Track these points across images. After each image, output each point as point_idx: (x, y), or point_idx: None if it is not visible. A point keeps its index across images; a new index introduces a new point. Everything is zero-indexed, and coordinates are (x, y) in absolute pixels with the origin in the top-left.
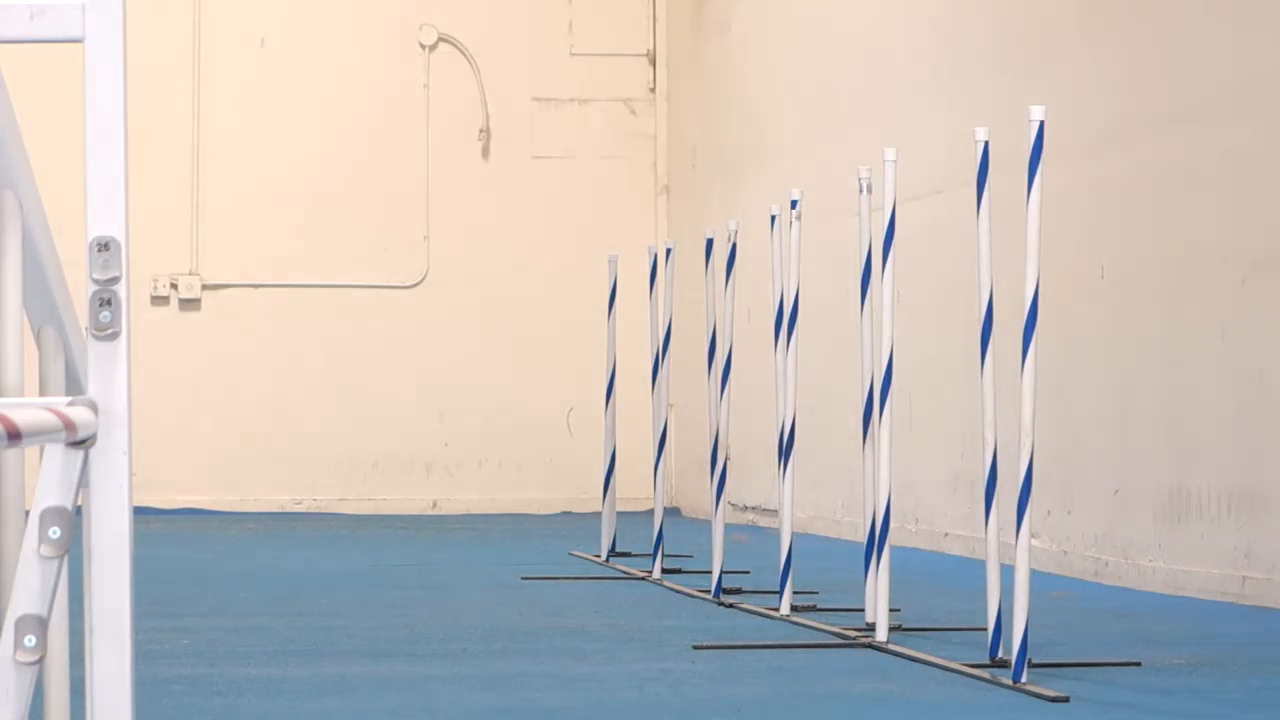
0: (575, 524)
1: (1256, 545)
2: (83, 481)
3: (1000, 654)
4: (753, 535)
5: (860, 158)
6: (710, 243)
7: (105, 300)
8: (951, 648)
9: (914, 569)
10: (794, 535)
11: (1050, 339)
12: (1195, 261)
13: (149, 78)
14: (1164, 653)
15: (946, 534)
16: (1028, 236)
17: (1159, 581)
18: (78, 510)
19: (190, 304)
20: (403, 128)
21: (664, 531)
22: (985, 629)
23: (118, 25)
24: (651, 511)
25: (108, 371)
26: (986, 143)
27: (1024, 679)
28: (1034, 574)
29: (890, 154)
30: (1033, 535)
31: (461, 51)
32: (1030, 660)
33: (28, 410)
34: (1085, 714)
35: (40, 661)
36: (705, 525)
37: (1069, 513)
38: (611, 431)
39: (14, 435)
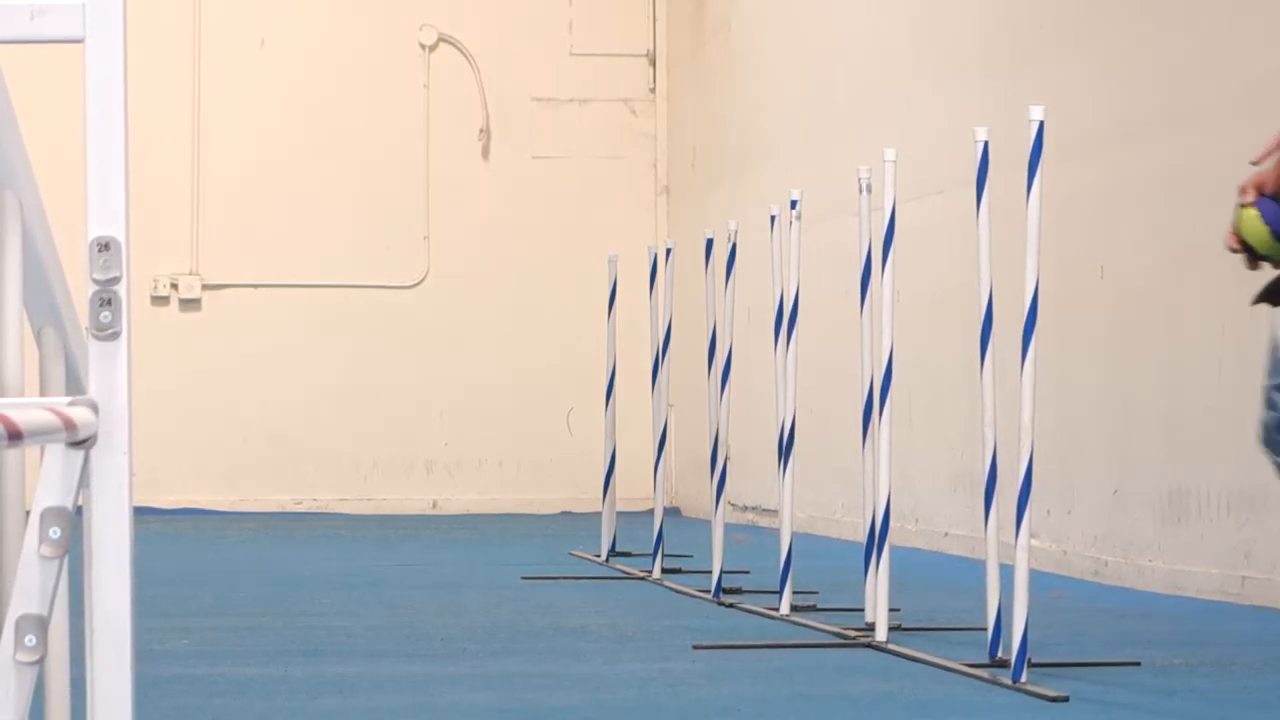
0: (575, 524)
1: (1256, 545)
2: (83, 481)
3: (1000, 654)
4: (753, 535)
5: (860, 158)
6: (710, 243)
7: (105, 300)
8: (951, 648)
9: (914, 569)
10: (794, 535)
11: (1050, 339)
12: (1195, 261)
13: (149, 78)
14: (1164, 653)
15: (946, 534)
16: (1028, 236)
17: (1159, 581)
18: (78, 510)
19: (190, 304)
20: (403, 128)
21: (664, 531)
22: (985, 629)
23: (118, 25)
24: (651, 511)
25: (108, 371)
26: (986, 143)
27: (1024, 679)
28: (1034, 574)
29: (890, 154)
30: (1033, 535)
31: (461, 51)
32: (1030, 660)
33: (28, 410)
34: (1085, 714)
35: (40, 661)
36: (705, 525)
37: (1069, 513)
38: (611, 431)
39: (14, 435)
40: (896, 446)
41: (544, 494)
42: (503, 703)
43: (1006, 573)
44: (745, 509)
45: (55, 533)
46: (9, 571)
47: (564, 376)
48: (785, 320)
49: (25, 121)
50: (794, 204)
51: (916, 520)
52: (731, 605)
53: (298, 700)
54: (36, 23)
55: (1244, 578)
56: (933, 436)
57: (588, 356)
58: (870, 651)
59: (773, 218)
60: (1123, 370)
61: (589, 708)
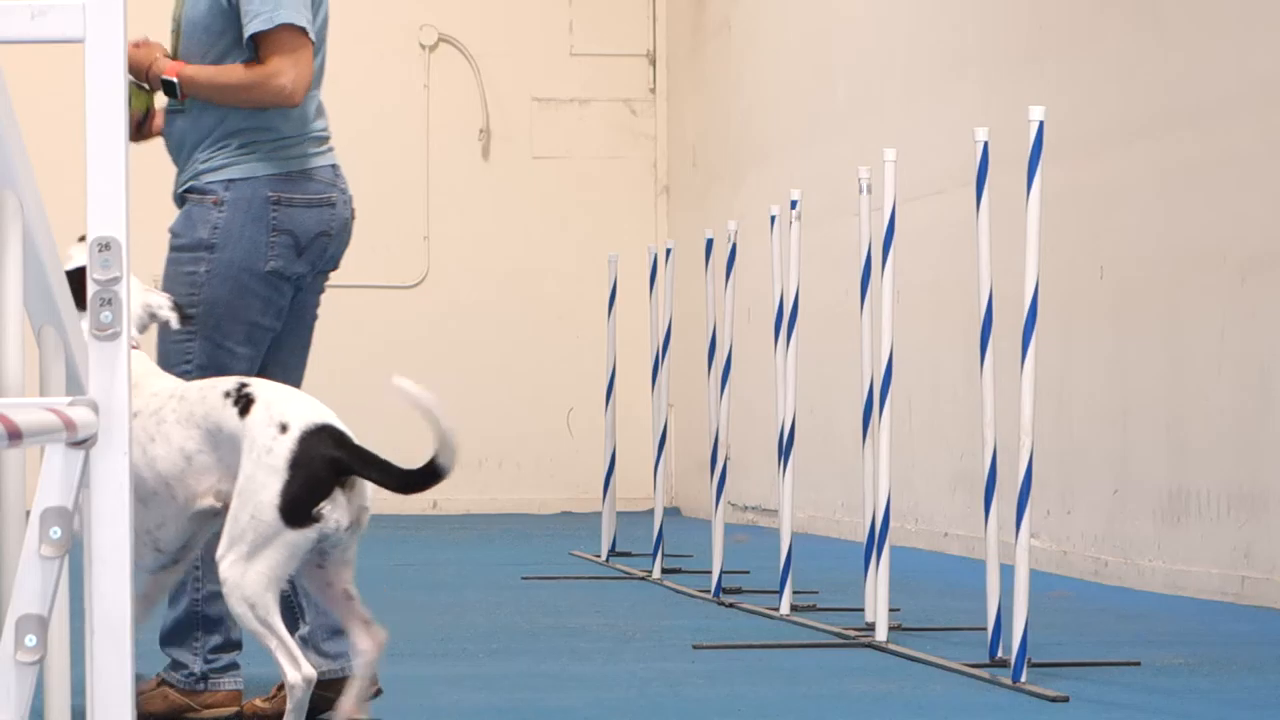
0: (575, 524)
1: (1256, 545)
2: (83, 481)
3: (1000, 654)
4: (753, 535)
5: (860, 158)
6: (710, 243)
7: (105, 300)
8: (951, 648)
9: (914, 569)
10: (794, 535)
11: (1050, 339)
12: (1195, 261)
13: None
14: (1164, 653)
15: (946, 534)
16: (1028, 236)
17: (1159, 581)
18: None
19: None
20: (403, 128)
21: (664, 531)
22: (985, 629)
23: (118, 25)
24: (651, 511)
25: (108, 371)
26: (986, 143)
27: (1024, 679)
28: (1034, 574)
29: (890, 154)
30: (1033, 535)
31: (461, 51)
32: (1030, 660)
33: (28, 410)
34: (1085, 714)
35: (40, 661)
36: (705, 525)
37: (1069, 513)
38: (611, 431)
39: (14, 435)
40: (896, 446)
41: (544, 494)
42: (503, 703)
43: (1006, 573)
44: (745, 509)
45: (55, 533)
46: (9, 571)
47: (564, 376)
48: (785, 320)
49: (25, 121)
50: (794, 204)
51: (916, 520)
52: (731, 605)
53: None
54: (36, 23)
55: (1244, 578)
56: (933, 436)
57: (588, 356)
58: (870, 651)
59: (773, 218)
60: (1122, 370)
61: (589, 708)
